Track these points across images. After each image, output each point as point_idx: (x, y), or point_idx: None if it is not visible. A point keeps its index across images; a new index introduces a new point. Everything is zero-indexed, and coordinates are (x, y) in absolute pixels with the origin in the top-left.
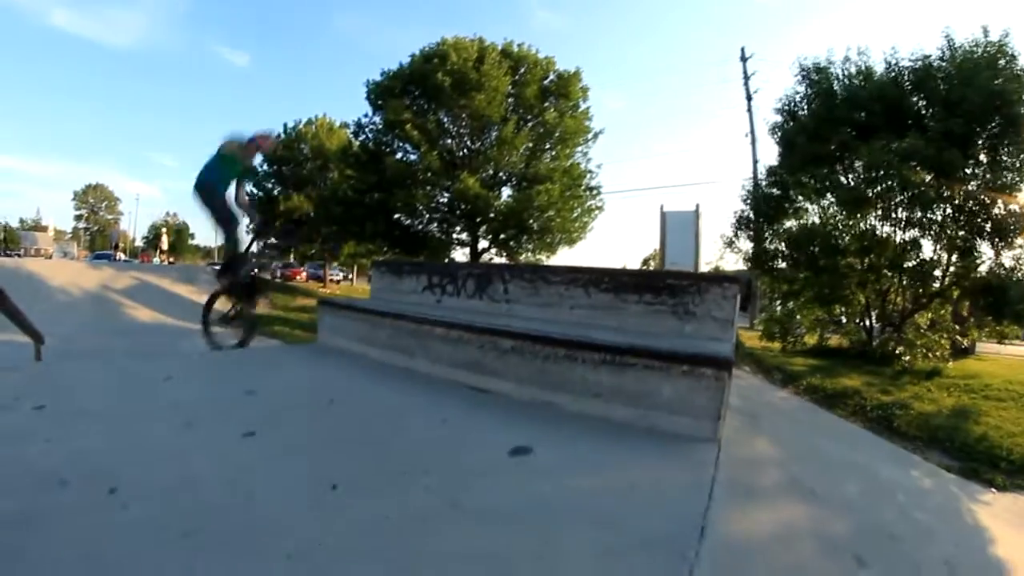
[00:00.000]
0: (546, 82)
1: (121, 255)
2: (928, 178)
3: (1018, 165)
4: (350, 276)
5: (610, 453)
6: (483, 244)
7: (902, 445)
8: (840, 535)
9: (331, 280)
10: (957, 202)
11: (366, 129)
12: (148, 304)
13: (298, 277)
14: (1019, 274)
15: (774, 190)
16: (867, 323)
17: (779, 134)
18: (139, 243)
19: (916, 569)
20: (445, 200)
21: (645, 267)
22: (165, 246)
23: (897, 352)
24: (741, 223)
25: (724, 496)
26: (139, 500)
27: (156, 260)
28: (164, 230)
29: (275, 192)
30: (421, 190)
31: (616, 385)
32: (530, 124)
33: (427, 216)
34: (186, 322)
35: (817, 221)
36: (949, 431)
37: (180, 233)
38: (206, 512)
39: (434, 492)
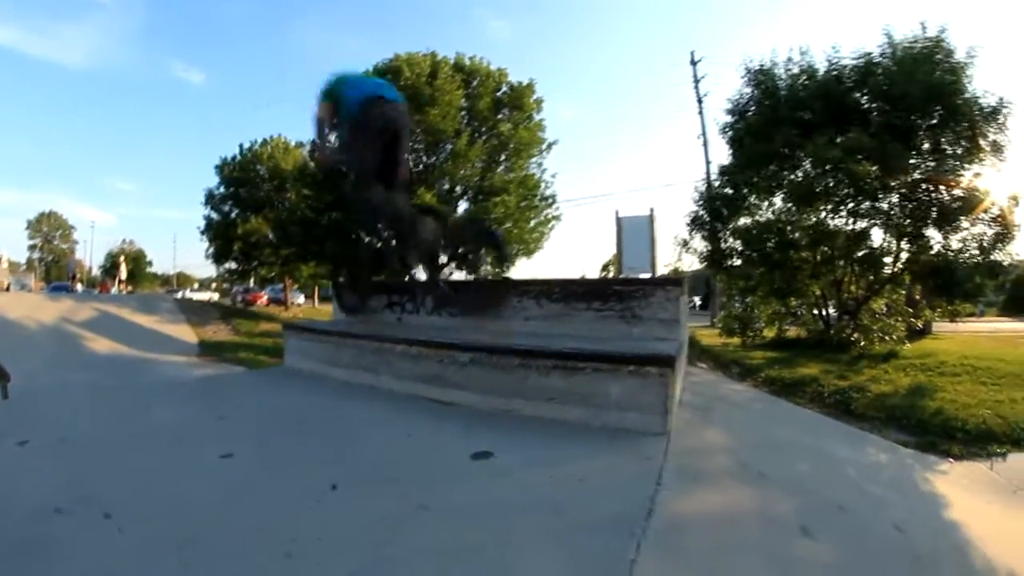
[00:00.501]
0: (499, 94)
1: (79, 286)
2: (873, 169)
3: (959, 152)
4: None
5: (565, 451)
6: (443, 259)
7: (859, 426)
8: (787, 510)
9: (293, 303)
10: (903, 191)
11: None
12: (109, 335)
13: (259, 301)
14: (966, 255)
15: (727, 189)
16: (823, 312)
17: (728, 135)
18: (96, 272)
19: (865, 535)
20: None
21: (604, 273)
22: (124, 275)
23: (853, 338)
24: (695, 223)
25: (672, 481)
26: (133, 520)
27: (115, 290)
28: (122, 258)
29: (232, 215)
30: None
31: (568, 388)
32: (484, 137)
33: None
34: (148, 352)
35: (771, 217)
36: (906, 409)
37: (137, 261)
38: (197, 525)
39: (404, 497)
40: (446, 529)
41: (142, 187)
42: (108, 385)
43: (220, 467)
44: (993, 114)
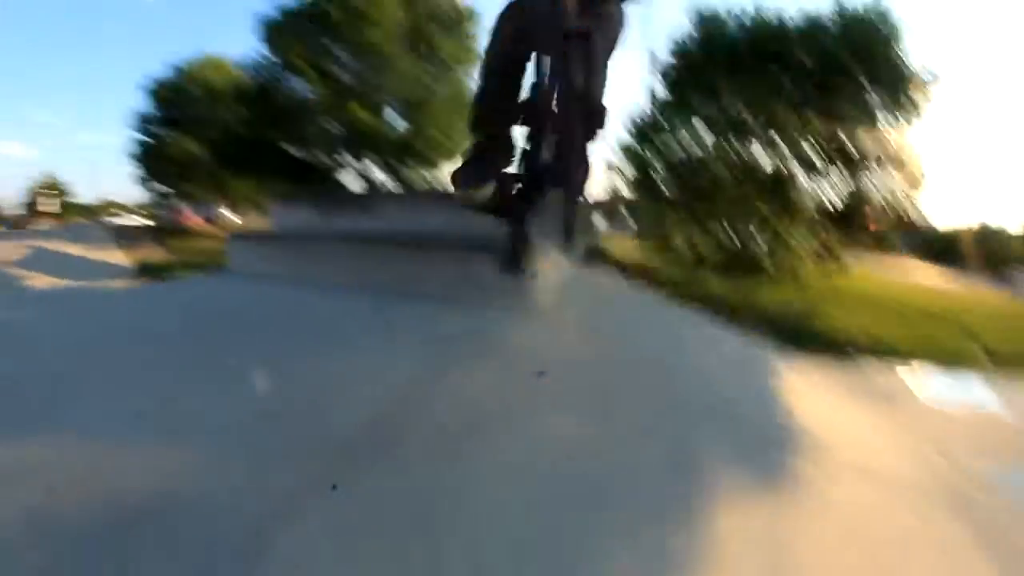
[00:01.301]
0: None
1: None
2: (798, 115)
3: (880, 106)
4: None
5: (444, 313)
6: (380, 175)
7: (736, 331)
8: (610, 355)
9: (228, 221)
10: (822, 135)
11: (259, 67)
12: (48, 271)
13: (192, 223)
14: (875, 198)
15: (659, 120)
16: (739, 240)
17: (668, 75)
18: (18, 210)
19: (677, 390)
20: (340, 133)
21: None
22: (57, 209)
23: (764, 264)
24: (625, 152)
25: (516, 325)
26: (81, 385)
27: (44, 226)
28: (48, 191)
29: (164, 137)
30: (315, 125)
31: (457, 272)
32: (422, 53)
33: (323, 150)
34: (86, 281)
35: (698, 152)
36: (788, 320)
37: (61, 192)
38: (177, 363)
39: (322, 340)
40: (351, 354)
41: (67, 117)
42: (51, 314)
43: (172, 340)
44: (914, 77)
